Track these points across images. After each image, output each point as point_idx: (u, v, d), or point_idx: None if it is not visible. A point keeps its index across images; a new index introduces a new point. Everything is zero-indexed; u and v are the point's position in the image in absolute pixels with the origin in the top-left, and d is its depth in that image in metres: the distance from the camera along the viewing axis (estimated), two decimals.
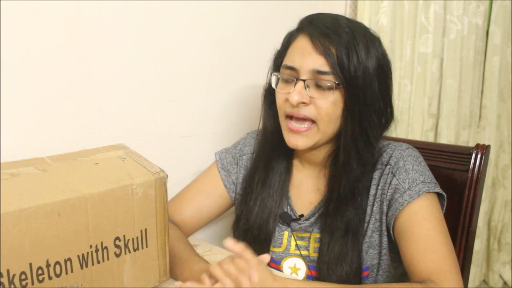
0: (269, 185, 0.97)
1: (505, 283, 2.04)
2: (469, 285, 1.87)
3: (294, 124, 0.87)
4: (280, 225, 0.97)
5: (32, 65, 0.90)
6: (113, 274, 0.72)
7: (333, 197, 0.89)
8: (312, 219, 0.94)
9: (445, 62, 1.66)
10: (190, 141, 1.21)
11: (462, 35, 1.65)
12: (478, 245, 1.93)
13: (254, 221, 0.96)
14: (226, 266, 0.71)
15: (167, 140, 1.16)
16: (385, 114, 0.89)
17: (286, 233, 0.97)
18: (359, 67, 0.83)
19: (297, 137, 0.88)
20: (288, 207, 0.98)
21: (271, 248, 0.97)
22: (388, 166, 0.88)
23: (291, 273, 0.96)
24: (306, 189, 0.98)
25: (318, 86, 0.85)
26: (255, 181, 0.98)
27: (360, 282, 0.89)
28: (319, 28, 0.85)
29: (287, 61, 0.89)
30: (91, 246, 0.68)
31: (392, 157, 0.89)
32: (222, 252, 1.00)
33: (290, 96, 0.85)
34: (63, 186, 0.67)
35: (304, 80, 0.85)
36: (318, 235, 0.93)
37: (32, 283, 0.62)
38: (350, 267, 0.87)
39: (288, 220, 0.96)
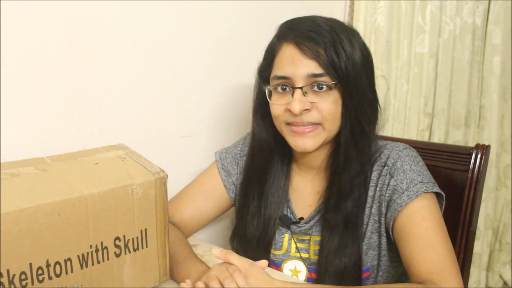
0: (268, 191, 0.96)
1: (505, 283, 2.03)
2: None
3: (298, 127, 0.86)
4: (280, 228, 0.97)
5: (32, 65, 0.90)
6: (113, 274, 0.72)
7: (334, 191, 0.89)
8: (311, 222, 0.94)
9: (439, 62, 1.67)
10: (190, 141, 1.21)
11: (454, 35, 1.66)
12: (480, 247, 1.92)
13: (255, 226, 0.96)
14: (215, 272, 0.71)
15: (167, 140, 1.16)
16: (375, 104, 0.90)
17: (286, 236, 0.97)
18: (348, 62, 0.83)
19: (304, 139, 0.86)
20: (288, 210, 0.97)
21: (272, 251, 0.97)
22: (386, 167, 0.88)
23: (291, 276, 0.96)
24: (305, 192, 0.97)
25: (316, 90, 0.84)
26: (253, 189, 0.97)
27: (359, 279, 0.89)
28: (301, 33, 0.84)
29: (277, 72, 0.87)
30: (91, 246, 0.68)
31: (390, 158, 0.88)
32: None
33: (291, 106, 0.83)
34: (63, 186, 0.67)
35: (301, 88, 0.84)
36: (318, 238, 0.93)
37: (32, 283, 0.62)
38: (349, 260, 0.86)
39: (288, 223, 0.95)
